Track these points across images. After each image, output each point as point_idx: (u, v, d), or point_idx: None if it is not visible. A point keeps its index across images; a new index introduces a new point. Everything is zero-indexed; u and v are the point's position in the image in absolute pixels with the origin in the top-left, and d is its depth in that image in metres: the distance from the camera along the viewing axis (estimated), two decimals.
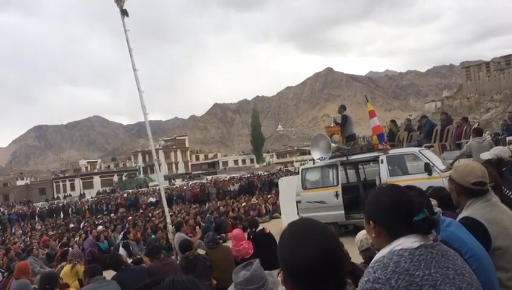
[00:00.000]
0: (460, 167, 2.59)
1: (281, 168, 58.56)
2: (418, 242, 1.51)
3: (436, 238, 1.56)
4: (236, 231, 8.76)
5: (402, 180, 7.90)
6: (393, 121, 16.11)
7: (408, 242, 1.52)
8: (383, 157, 9.16)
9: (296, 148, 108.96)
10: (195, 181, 56.54)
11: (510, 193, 3.25)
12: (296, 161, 77.15)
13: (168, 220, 10.17)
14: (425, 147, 10.90)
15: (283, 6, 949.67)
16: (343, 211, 9.43)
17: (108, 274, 5.74)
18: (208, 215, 16.36)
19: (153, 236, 13.07)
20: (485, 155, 4.93)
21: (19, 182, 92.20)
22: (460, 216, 2.44)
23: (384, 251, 1.56)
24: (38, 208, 41.09)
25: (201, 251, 8.33)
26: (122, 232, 14.39)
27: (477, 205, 2.42)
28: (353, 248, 3.67)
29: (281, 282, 1.43)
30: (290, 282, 1.31)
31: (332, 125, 12.02)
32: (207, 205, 24.15)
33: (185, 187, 41.87)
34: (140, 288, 0.95)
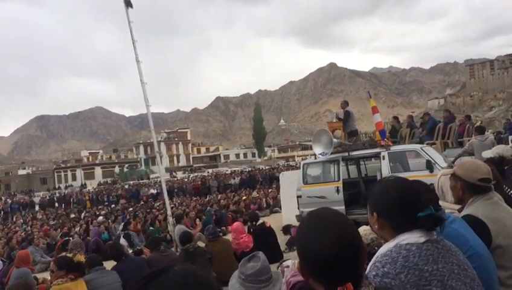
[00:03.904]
0: (466, 163, 2.60)
1: (284, 164, 58.46)
2: (424, 237, 1.51)
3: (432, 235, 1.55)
4: (237, 224, 8.78)
5: None
6: (395, 118, 16.06)
7: (414, 237, 1.51)
8: (384, 153, 9.13)
9: (297, 143, 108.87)
10: (196, 174, 56.64)
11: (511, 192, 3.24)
12: (298, 156, 77.23)
13: (169, 212, 10.20)
14: (427, 144, 10.88)
15: (289, 0, 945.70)
16: (343, 207, 9.42)
17: (110, 264, 5.76)
18: (208, 208, 16.39)
19: (151, 228, 13.09)
20: (487, 153, 4.92)
21: (21, 172, 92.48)
22: (462, 214, 2.44)
23: (389, 245, 1.54)
24: (39, 198, 41.26)
25: (201, 244, 8.36)
26: (122, 223, 14.45)
27: (479, 202, 2.42)
28: None
29: (296, 270, 1.41)
30: (307, 270, 1.29)
31: (334, 121, 12.01)
32: (208, 197, 24.21)
33: (186, 180, 41.96)
34: (148, 276, 0.90)
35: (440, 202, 2.26)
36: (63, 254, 8.97)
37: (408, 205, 1.53)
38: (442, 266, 1.47)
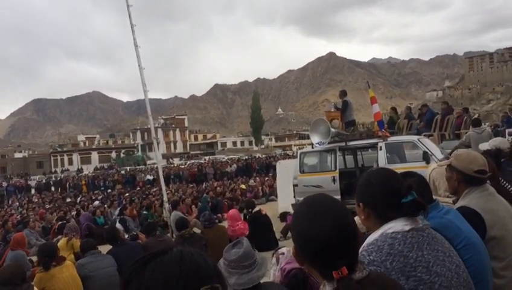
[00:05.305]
0: (463, 155, 2.59)
1: (281, 152, 58.46)
2: (409, 225, 1.53)
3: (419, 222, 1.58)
4: (233, 211, 8.80)
5: (400, 168, 7.90)
6: (393, 109, 16.03)
7: (399, 225, 1.54)
8: (381, 144, 9.14)
9: (295, 132, 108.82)
10: (193, 161, 56.65)
11: (507, 185, 3.25)
12: (295, 145, 77.20)
13: (165, 198, 10.21)
14: (424, 135, 10.89)
15: None
16: (339, 196, 9.44)
17: (106, 249, 5.78)
18: (204, 195, 16.41)
19: (145, 212, 13.10)
20: (484, 146, 4.93)
21: (17, 155, 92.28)
22: (457, 205, 2.44)
23: (376, 234, 1.58)
24: (35, 181, 41.24)
25: (196, 230, 8.38)
26: (118, 208, 14.46)
27: (474, 194, 2.42)
28: None
29: (292, 255, 1.42)
30: (302, 256, 1.30)
31: (332, 111, 11.99)
32: (204, 185, 24.25)
33: (182, 166, 41.97)
34: (146, 257, 0.90)
35: (434, 197, 2.28)
36: (59, 237, 9.01)
37: (390, 193, 1.56)
38: (428, 252, 1.50)
